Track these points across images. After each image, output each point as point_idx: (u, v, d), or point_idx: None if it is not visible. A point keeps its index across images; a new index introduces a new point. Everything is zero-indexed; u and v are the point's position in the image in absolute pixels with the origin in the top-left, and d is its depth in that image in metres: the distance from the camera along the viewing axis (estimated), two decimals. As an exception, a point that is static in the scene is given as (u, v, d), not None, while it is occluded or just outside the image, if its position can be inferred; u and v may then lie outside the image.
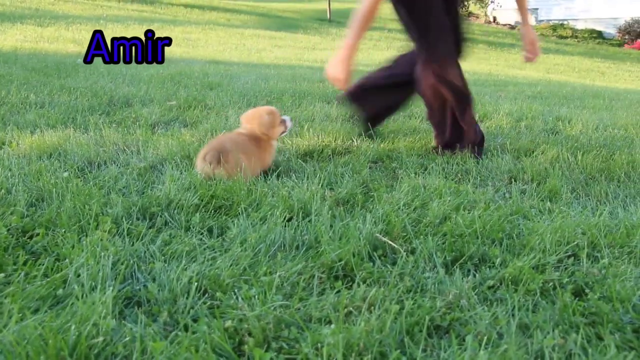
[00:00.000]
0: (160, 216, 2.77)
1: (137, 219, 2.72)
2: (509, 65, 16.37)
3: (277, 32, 20.60)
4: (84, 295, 1.99)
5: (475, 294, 2.14)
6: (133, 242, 2.45)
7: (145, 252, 2.38)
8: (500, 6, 27.58)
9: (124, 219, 2.66)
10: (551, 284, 2.24)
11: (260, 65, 11.08)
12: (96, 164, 3.63)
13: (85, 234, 2.49)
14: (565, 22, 25.98)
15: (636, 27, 24.04)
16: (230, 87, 7.03)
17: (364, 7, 3.85)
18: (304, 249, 2.47)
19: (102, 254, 2.24)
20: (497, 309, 2.02)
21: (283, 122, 3.83)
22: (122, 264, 2.23)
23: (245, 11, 25.17)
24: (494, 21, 28.07)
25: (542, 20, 26.73)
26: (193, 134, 4.50)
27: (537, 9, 27.18)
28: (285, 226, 2.65)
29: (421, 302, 2.01)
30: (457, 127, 4.16)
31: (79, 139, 4.10)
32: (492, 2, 28.48)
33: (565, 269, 2.39)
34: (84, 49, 11.49)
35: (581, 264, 2.43)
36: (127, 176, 3.30)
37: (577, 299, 2.15)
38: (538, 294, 2.16)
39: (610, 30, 25.11)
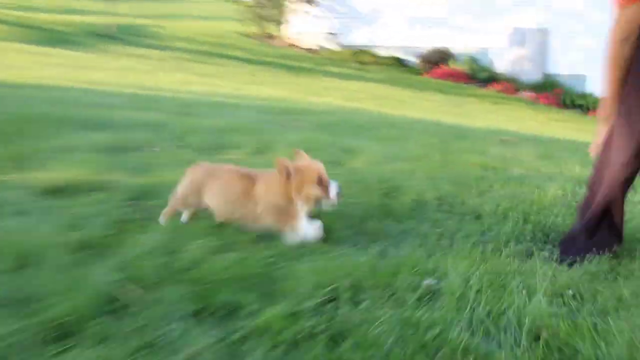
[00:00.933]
0: None
1: None
2: (307, 92, 16.91)
3: (45, 48, 19.68)
4: None
5: (220, 347, 2.13)
6: None
7: None
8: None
9: None
10: (306, 332, 2.29)
11: (21, 86, 10.48)
12: None
13: None
14: (367, 48, 27.50)
15: (435, 56, 26.10)
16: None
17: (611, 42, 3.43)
18: (25, 304, 2.31)
19: None
20: (239, 365, 2.02)
21: (323, 185, 3.34)
22: None
23: (2, 21, 23.81)
24: (294, 45, 28.99)
25: (344, 46, 28.07)
26: None
27: (337, 33, 28.60)
28: (8, 278, 2.48)
29: (152, 362, 1.96)
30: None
31: None
32: (288, 23, 29.49)
33: (324, 314, 2.45)
34: None
35: (341, 308, 2.52)
36: None
37: (334, 346, 2.21)
38: (286, 345, 2.19)
39: (411, 58, 26.99)
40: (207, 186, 3.42)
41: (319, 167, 3.37)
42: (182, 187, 3.50)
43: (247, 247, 3.07)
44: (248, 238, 3.24)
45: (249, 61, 22.75)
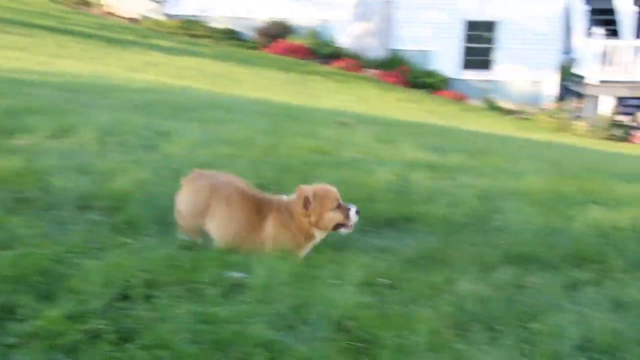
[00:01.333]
0: None
1: None
2: (126, 67, 16.60)
3: None
4: None
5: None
6: None
7: None
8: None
9: None
10: (90, 334, 2.31)
11: None
12: None
13: None
14: (197, 19, 27.21)
15: (273, 29, 26.33)
16: None
17: None
18: None
19: None
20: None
21: (344, 210, 3.36)
22: None
23: None
24: (112, 13, 28.26)
25: (172, 16, 27.60)
26: None
27: (163, 2, 28.10)
28: None
29: None
30: None
31: None
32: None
33: (112, 314, 2.48)
34: None
35: (133, 306, 2.55)
36: None
37: (121, 347, 2.25)
38: (66, 349, 2.20)
39: (247, 31, 27.02)
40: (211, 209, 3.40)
41: (335, 191, 3.46)
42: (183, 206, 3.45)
43: (31, 242, 3.02)
44: (35, 232, 3.20)
45: (57, 31, 21.92)
